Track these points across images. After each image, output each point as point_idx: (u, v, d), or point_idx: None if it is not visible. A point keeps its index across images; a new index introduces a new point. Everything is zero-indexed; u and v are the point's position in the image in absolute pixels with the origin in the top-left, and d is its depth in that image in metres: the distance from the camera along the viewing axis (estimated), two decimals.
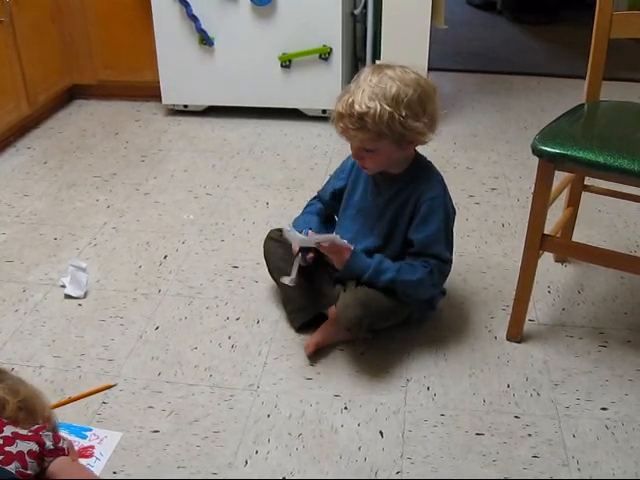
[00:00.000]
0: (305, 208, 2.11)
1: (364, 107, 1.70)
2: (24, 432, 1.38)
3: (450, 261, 1.90)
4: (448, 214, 1.87)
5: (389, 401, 1.79)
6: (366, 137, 1.74)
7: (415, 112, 1.73)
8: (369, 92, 1.72)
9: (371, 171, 1.88)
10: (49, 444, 1.38)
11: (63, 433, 1.51)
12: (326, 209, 2.07)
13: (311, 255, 1.89)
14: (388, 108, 1.69)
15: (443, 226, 1.85)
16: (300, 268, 1.89)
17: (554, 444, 1.66)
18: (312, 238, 1.84)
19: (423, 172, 1.89)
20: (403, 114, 1.71)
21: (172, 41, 3.37)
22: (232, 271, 2.30)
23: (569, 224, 2.25)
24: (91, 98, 3.78)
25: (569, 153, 1.71)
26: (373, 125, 1.71)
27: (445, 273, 1.91)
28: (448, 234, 1.89)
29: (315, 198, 2.11)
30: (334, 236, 1.84)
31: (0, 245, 2.47)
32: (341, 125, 1.77)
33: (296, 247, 1.88)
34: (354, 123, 1.73)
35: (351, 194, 1.99)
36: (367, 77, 1.76)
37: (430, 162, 1.94)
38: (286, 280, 1.89)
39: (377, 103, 1.70)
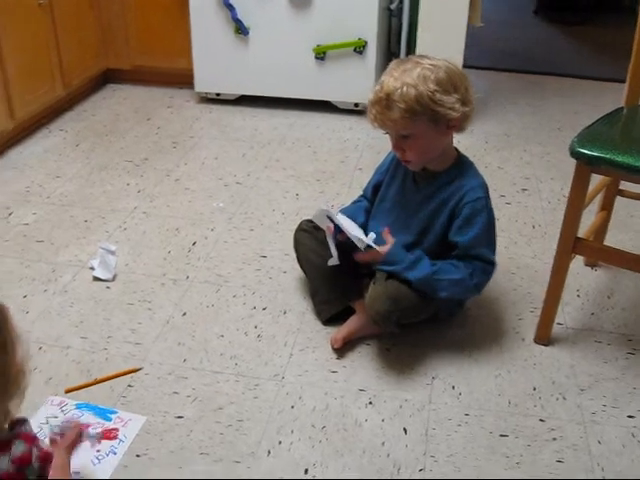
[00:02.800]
0: (351, 204, 2.12)
1: (391, 87, 1.73)
2: None
3: (494, 263, 1.88)
4: (490, 216, 1.86)
5: (414, 398, 1.78)
6: (397, 117, 1.73)
7: (444, 88, 1.73)
8: (396, 76, 1.75)
9: (414, 165, 1.87)
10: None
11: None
12: (371, 205, 2.06)
13: (342, 234, 1.90)
14: (414, 83, 1.71)
15: (486, 228, 1.84)
16: (338, 245, 1.92)
17: (579, 450, 1.65)
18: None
19: (465, 173, 1.88)
20: (431, 88, 1.71)
21: (208, 29, 3.37)
22: (260, 261, 2.31)
23: (601, 228, 2.23)
24: (125, 83, 3.80)
25: (607, 156, 1.69)
26: (402, 102, 1.71)
27: (489, 275, 1.89)
28: (491, 236, 1.88)
29: (361, 196, 2.12)
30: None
31: (31, 225, 2.49)
32: (373, 112, 1.79)
33: (331, 226, 1.89)
34: (384, 106, 1.75)
35: (388, 187, 1.98)
36: (394, 65, 1.80)
37: (472, 163, 1.93)
38: (332, 261, 1.92)
39: (403, 82, 1.72)
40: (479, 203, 1.83)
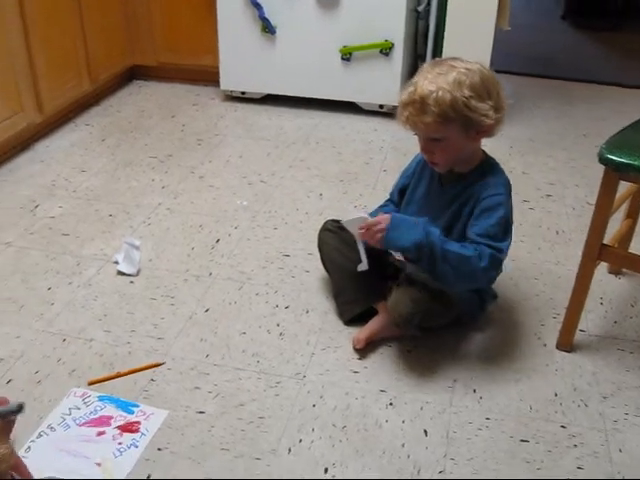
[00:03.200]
0: (378, 208, 2.10)
1: (426, 91, 1.71)
2: None
3: (503, 251, 1.81)
4: (507, 214, 1.83)
5: (435, 400, 1.78)
6: (430, 121, 1.72)
7: (479, 94, 1.72)
8: (430, 78, 1.72)
9: (441, 167, 1.85)
10: None
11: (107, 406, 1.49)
12: (398, 209, 2.05)
13: None
14: (450, 88, 1.69)
15: (501, 223, 1.80)
16: (367, 250, 1.91)
17: (600, 457, 1.64)
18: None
19: (489, 173, 1.86)
20: (466, 94, 1.70)
21: (234, 27, 3.38)
22: (283, 259, 2.31)
23: (627, 236, 2.21)
24: (151, 79, 3.82)
25: (636, 163, 1.68)
26: (436, 107, 1.69)
27: (496, 263, 1.80)
28: (505, 233, 1.83)
29: (388, 200, 2.11)
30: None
31: (56, 218, 2.51)
32: (405, 114, 1.76)
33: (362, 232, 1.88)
34: (417, 109, 1.73)
35: (414, 190, 1.98)
36: (428, 67, 1.77)
37: (498, 164, 1.91)
38: (361, 267, 1.91)
39: (438, 86, 1.70)
40: (498, 198, 1.81)
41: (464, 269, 1.76)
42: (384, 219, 1.79)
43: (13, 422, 1.29)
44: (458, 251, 1.76)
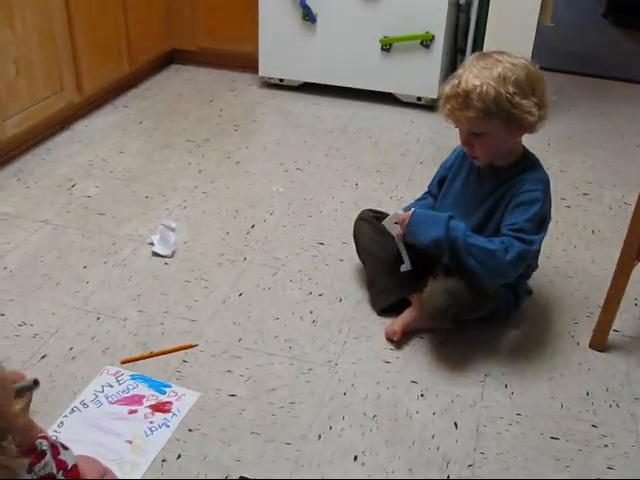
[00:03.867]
0: (415, 201, 2.10)
1: (470, 85, 1.70)
2: None
3: (534, 244, 1.79)
4: (544, 211, 1.81)
5: (466, 394, 1.77)
6: (473, 116, 1.71)
7: (523, 90, 1.70)
8: (475, 72, 1.71)
9: (481, 160, 1.85)
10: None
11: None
12: (436, 202, 2.05)
13: None
14: (494, 84, 1.68)
15: (536, 219, 1.78)
16: (407, 249, 1.93)
17: (631, 458, 1.63)
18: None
19: (529, 169, 1.85)
20: (510, 91, 1.68)
21: (275, 14, 3.38)
22: (318, 247, 2.32)
23: None
24: (189, 64, 3.83)
25: None
26: (480, 102, 1.69)
27: (525, 257, 1.78)
28: (538, 229, 1.81)
29: (426, 193, 2.11)
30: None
31: (94, 198, 2.54)
32: (448, 107, 1.76)
33: (400, 232, 1.89)
34: (460, 103, 1.72)
35: (452, 183, 1.98)
36: (474, 60, 1.76)
37: (537, 159, 1.90)
38: (404, 268, 1.93)
39: (483, 81, 1.69)
40: (535, 194, 1.79)
41: (489, 263, 1.76)
42: (407, 215, 1.83)
43: (30, 397, 1.31)
44: (483, 245, 1.76)
